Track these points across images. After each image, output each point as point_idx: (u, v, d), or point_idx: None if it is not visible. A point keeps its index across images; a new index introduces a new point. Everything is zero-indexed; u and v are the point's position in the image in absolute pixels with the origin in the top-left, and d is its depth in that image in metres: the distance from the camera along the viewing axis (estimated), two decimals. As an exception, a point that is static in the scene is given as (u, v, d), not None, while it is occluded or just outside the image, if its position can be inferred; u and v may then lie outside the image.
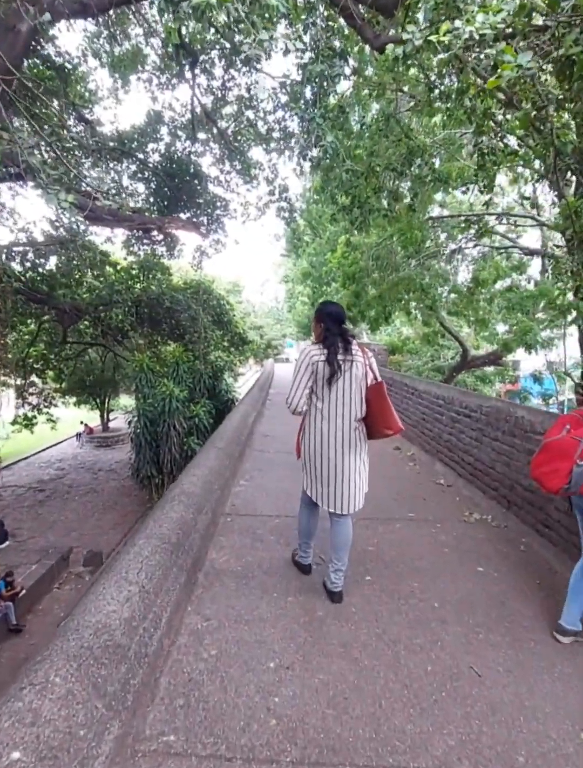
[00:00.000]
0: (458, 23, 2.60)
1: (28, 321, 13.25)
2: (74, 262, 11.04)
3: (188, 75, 8.23)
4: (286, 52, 4.02)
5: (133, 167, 10.17)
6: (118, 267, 12.32)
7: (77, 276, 11.76)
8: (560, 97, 3.36)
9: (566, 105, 3.63)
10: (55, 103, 7.76)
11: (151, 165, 9.89)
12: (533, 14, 2.57)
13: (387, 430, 2.18)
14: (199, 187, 10.01)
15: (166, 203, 10.11)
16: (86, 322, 13.32)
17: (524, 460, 3.21)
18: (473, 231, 8.85)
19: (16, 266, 10.18)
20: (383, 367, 10.14)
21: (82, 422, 24.16)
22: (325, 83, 5.21)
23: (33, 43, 6.17)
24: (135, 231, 10.53)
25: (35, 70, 7.72)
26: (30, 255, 10.33)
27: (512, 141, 5.68)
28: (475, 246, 11.12)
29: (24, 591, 8.48)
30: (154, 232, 10.68)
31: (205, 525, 2.74)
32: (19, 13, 4.76)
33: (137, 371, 11.07)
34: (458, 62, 3.30)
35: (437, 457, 5.06)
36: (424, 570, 2.60)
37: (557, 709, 1.64)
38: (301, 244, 12.24)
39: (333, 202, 7.07)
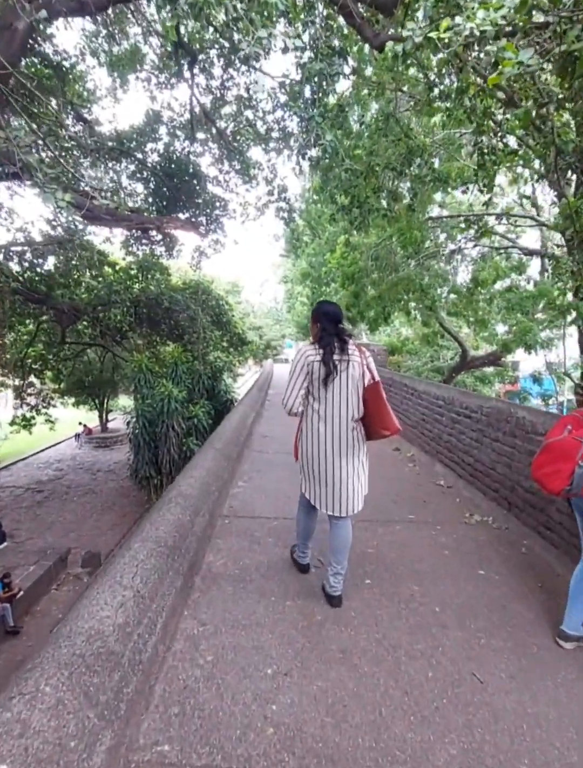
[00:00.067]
0: (458, 20, 2.57)
1: (27, 321, 13.23)
2: (73, 262, 11.01)
3: (187, 74, 8.20)
4: (285, 50, 4.00)
5: (132, 167, 10.14)
6: (117, 267, 12.29)
7: (76, 276, 11.72)
8: (560, 96, 3.34)
9: (566, 104, 3.62)
10: (53, 102, 7.74)
11: (149, 165, 9.86)
12: (534, 11, 2.55)
13: (384, 430, 2.15)
14: (198, 187, 9.98)
15: (165, 203, 10.08)
16: (85, 323, 13.28)
17: (525, 461, 3.18)
18: (472, 231, 8.82)
19: (14, 266, 10.16)
20: (382, 367, 10.11)
21: (80, 423, 24.10)
22: (324, 82, 5.18)
23: (30, 41, 6.13)
24: (134, 231, 10.50)
25: (33, 69, 7.70)
26: (28, 255, 10.30)
27: (512, 141, 5.66)
28: (474, 246, 11.10)
29: (21, 592, 8.43)
30: (153, 232, 10.66)
31: (203, 527, 2.70)
32: (15, 11, 4.73)
33: (136, 372, 11.03)
34: (457, 61, 3.28)
35: (437, 458, 5.03)
36: (424, 573, 2.57)
37: (560, 716, 1.61)
38: (300, 245, 12.21)
39: (332, 202, 7.04)
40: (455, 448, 4.57)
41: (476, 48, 2.91)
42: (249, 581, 2.38)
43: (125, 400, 22.59)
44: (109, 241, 11.60)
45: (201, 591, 2.25)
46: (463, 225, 9.15)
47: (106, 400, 24.67)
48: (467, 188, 6.93)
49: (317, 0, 5.23)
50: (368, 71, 7.01)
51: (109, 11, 7.66)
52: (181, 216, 10.36)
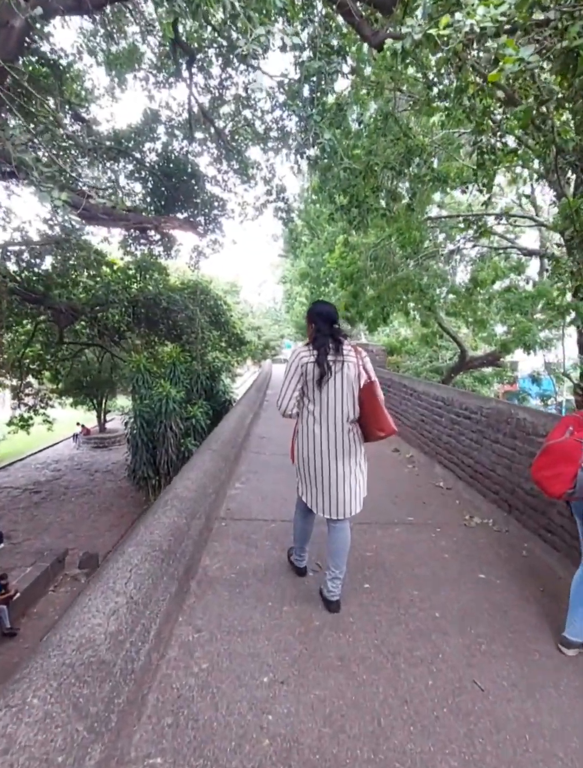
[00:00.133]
0: (458, 16, 2.53)
1: (24, 321, 13.16)
2: (70, 262, 10.96)
3: (185, 73, 8.17)
4: (284, 48, 3.96)
5: (130, 167, 10.09)
6: (115, 267, 12.24)
7: (73, 276, 11.67)
8: (560, 96, 3.31)
9: (566, 103, 3.58)
10: (51, 101, 7.69)
11: (147, 164, 9.82)
12: (534, 8, 2.52)
13: (379, 431, 2.12)
14: (196, 187, 9.94)
15: (163, 203, 10.04)
16: (83, 323, 13.22)
17: (525, 463, 3.14)
18: (471, 231, 8.79)
19: (11, 266, 10.10)
20: (381, 367, 10.08)
21: (78, 423, 24.03)
22: (322, 81, 5.15)
23: (27, 39, 6.08)
24: (132, 231, 10.46)
25: (30, 68, 7.64)
26: (25, 255, 10.24)
27: (511, 141, 5.63)
28: (473, 246, 11.07)
29: (18, 594, 8.36)
30: (151, 232, 10.61)
31: (199, 530, 2.66)
32: (11, 9, 4.68)
33: (134, 372, 10.97)
34: (457, 60, 3.24)
35: (437, 459, 4.99)
36: (424, 577, 2.53)
37: (564, 725, 1.57)
38: (298, 245, 12.17)
39: (331, 202, 7.00)
40: (454, 450, 4.53)
41: (476, 46, 2.89)
42: (246, 586, 2.34)
43: (123, 401, 22.55)
44: (107, 241, 11.57)
45: (197, 596, 2.21)
46: (462, 225, 9.12)
47: (104, 401, 24.58)
48: (467, 188, 6.91)
49: (315, -2, 5.20)
50: (367, 71, 6.98)
51: (107, 10, 7.63)
52: (180, 216, 10.32)
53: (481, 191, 5.49)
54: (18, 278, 10.14)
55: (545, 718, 1.59)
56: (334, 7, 4.66)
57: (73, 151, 8.80)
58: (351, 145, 6.64)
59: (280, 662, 1.78)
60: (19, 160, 4.26)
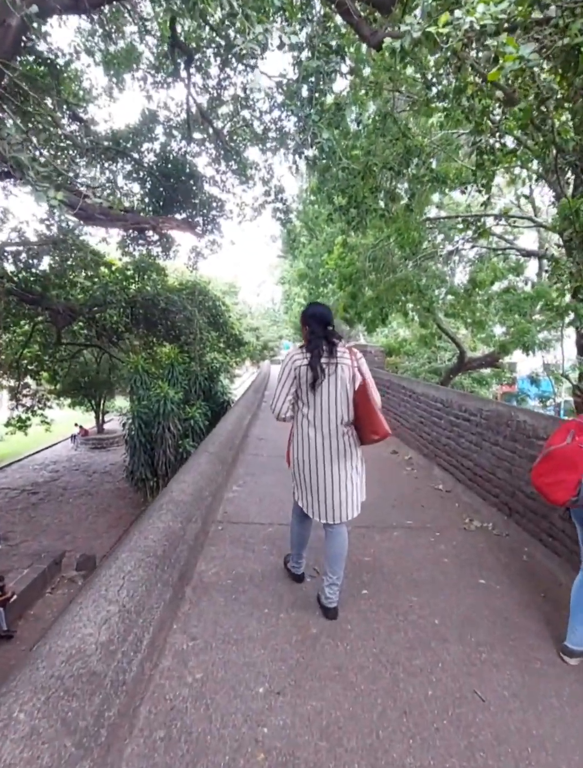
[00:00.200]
0: (458, 13, 2.50)
1: (22, 322, 13.10)
2: (68, 262, 10.91)
3: (183, 74, 8.13)
4: (281, 46, 3.93)
5: (128, 167, 10.04)
6: (113, 268, 12.19)
7: (71, 277, 11.62)
8: (559, 96, 3.28)
9: (565, 103, 3.56)
10: (49, 101, 7.65)
11: (146, 165, 9.77)
12: (535, 7, 2.49)
13: (373, 434, 2.08)
14: (194, 188, 9.89)
15: (161, 203, 10.00)
16: (81, 323, 13.17)
17: (526, 466, 3.11)
18: (470, 232, 8.76)
19: (8, 266, 10.05)
20: (380, 369, 10.03)
21: (76, 424, 23.96)
22: (321, 81, 5.12)
23: (24, 38, 6.05)
24: (130, 231, 10.42)
25: (28, 68, 7.60)
26: (23, 255, 10.19)
27: (510, 142, 5.61)
28: (472, 247, 11.05)
29: (15, 596, 8.31)
30: (150, 233, 10.57)
31: (195, 534, 2.62)
32: (7, 7, 4.64)
33: (132, 373, 10.92)
34: (456, 59, 3.21)
35: (436, 461, 4.95)
36: (423, 583, 2.49)
37: (566, 737, 1.53)
38: (297, 245, 12.15)
39: (330, 203, 6.97)
40: (454, 452, 4.50)
41: (475, 45, 2.86)
42: (242, 592, 2.30)
43: (122, 401, 22.46)
44: (106, 241, 11.52)
45: (192, 603, 2.17)
46: (461, 226, 9.09)
47: (102, 402, 24.52)
48: (465, 188, 6.88)
49: (313, -2, 5.17)
50: (366, 71, 6.96)
51: (105, 10, 7.59)
52: (178, 216, 10.27)
53: (480, 192, 5.47)
54: (15, 279, 10.10)
55: (547, 729, 1.55)
56: (332, 6, 4.63)
57: (71, 152, 8.76)
58: (350, 146, 6.61)
59: (276, 672, 1.74)
60: (15, 159, 4.22)
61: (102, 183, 9.64)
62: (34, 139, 5.07)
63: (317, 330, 2.11)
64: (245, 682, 1.67)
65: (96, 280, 11.72)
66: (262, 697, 1.62)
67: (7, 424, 15.37)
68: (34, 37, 6.60)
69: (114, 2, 7.07)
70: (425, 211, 9.91)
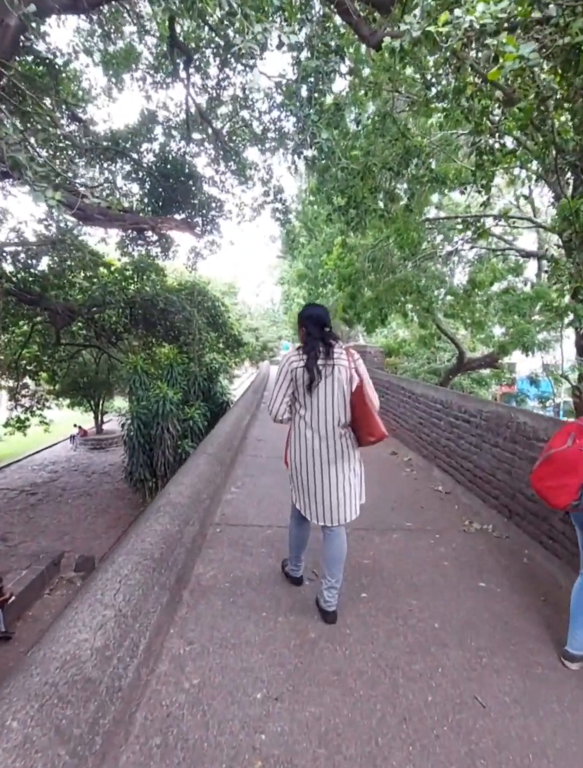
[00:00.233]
0: (458, 12, 2.49)
1: (21, 322, 13.08)
2: (67, 262, 10.89)
3: (183, 74, 8.12)
4: (280, 45, 3.92)
5: (128, 167, 10.02)
6: (112, 268, 12.17)
7: (70, 277, 11.60)
8: (558, 96, 3.27)
9: (565, 104, 3.54)
10: (48, 100, 7.63)
11: (145, 165, 9.75)
12: (535, 5, 2.47)
13: (369, 436, 2.06)
14: (193, 188, 9.88)
15: (160, 204, 9.98)
16: (80, 324, 13.15)
17: (526, 468, 3.09)
18: (469, 233, 8.76)
19: (7, 267, 10.03)
20: (379, 369, 10.01)
21: (75, 424, 23.91)
22: (320, 81, 5.10)
23: (22, 38, 6.03)
24: (129, 231, 10.40)
25: (26, 68, 7.58)
26: (21, 255, 10.17)
27: (510, 142, 5.59)
28: (471, 248, 11.04)
29: (14, 597, 8.27)
30: (149, 233, 10.55)
31: (192, 537, 2.59)
32: (5, 7, 4.63)
33: (131, 373, 10.90)
34: (455, 60, 3.20)
35: (435, 462, 4.94)
36: (423, 586, 2.47)
37: (568, 744, 1.51)
38: (296, 246, 12.13)
39: (329, 203, 6.96)
40: (453, 453, 4.48)
41: (475, 44, 2.84)
42: (240, 595, 2.28)
43: (121, 402, 22.42)
44: (105, 241, 11.50)
45: (189, 606, 2.15)
46: (460, 226, 9.07)
47: (101, 402, 24.48)
48: (465, 189, 6.87)
49: (312, -3, 5.16)
50: (365, 72, 6.95)
51: (104, 9, 7.58)
52: (177, 216, 10.25)
53: (479, 192, 5.45)
54: (14, 279, 10.07)
55: (548, 736, 1.54)
56: (331, 6, 4.62)
57: (70, 152, 8.74)
58: (349, 146, 6.59)
59: (274, 677, 1.72)
60: (13, 159, 4.20)
61: (101, 183, 9.63)
62: (33, 139, 5.04)
63: (314, 331, 2.09)
64: (243, 688, 1.65)
65: (95, 280, 11.69)
66: (260, 703, 1.60)
67: (6, 425, 15.34)
68: (32, 36, 6.59)
69: (113, 2, 7.07)
70: (424, 212, 9.90)
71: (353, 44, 6.57)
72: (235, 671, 1.74)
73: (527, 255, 11.29)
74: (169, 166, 9.55)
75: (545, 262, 10.92)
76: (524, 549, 2.97)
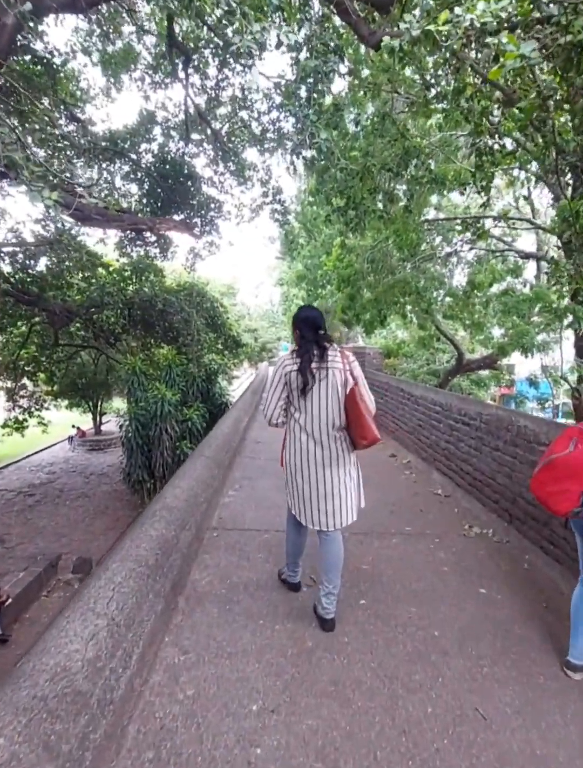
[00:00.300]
0: (458, 11, 2.46)
1: (19, 323, 13.03)
2: (65, 263, 10.85)
3: (181, 74, 8.09)
4: (279, 44, 3.89)
5: (126, 168, 9.99)
6: (111, 269, 12.13)
7: (68, 277, 11.56)
8: (558, 97, 3.24)
9: (564, 105, 3.52)
10: (45, 100, 7.59)
11: (143, 165, 9.71)
12: (535, 4, 2.44)
13: (362, 439, 2.03)
14: (192, 188, 9.84)
15: (159, 204, 9.94)
16: (78, 325, 13.10)
17: (526, 472, 3.06)
18: (469, 234, 8.73)
19: (5, 267, 9.99)
20: (378, 371, 9.97)
21: (73, 425, 23.83)
22: (319, 81, 5.07)
23: (20, 37, 5.99)
24: (127, 232, 10.36)
25: (24, 67, 7.55)
26: (19, 256, 10.13)
27: (509, 143, 5.57)
28: (471, 249, 11.02)
29: (10, 599, 8.21)
30: (147, 234, 10.52)
31: (189, 542, 2.56)
32: (2, 6, 4.59)
33: (129, 374, 10.86)
34: (455, 60, 3.17)
35: (435, 465, 4.90)
36: (422, 592, 2.43)
37: (571, 757, 1.48)
38: (295, 247, 12.10)
39: (328, 204, 6.93)
40: (453, 456, 4.45)
41: (475, 44, 2.81)
42: (236, 602, 2.24)
43: (119, 403, 22.36)
44: (103, 242, 11.46)
45: (184, 613, 2.11)
46: (459, 227, 9.05)
47: (99, 403, 24.41)
48: (464, 190, 6.84)
49: (311, -4, 5.13)
50: (365, 72, 6.93)
51: (103, 9, 7.55)
52: (176, 217, 10.21)
53: (478, 193, 5.42)
54: (12, 280, 10.03)
55: (551, 749, 1.50)
56: (331, 6, 4.59)
57: (68, 152, 8.70)
58: (348, 147, 6.57)
59: (270, 688, 1.68)
60: (9, 158, 4.17)
61: (99, 183, 9.59)
62: (30, 139, 5.00)
63: (308, 334, 2.06)
64: (238, 699, 1.62)
65: (93, 281, 11.65)
66: (256, 715, 1.56)
67: (4, 426, 15.30)
68: (30, 35, 6.56)
69: (111, 1, 7.04)
70: (423, 213, 9.88)
71: (353, 44, 6.54)
72: (230, 682, 1.70)
73: (527, 256, 11.28)
74: (167, 167, 9.52)
75: (544, 263, 10.91)
76: (524, 554, 2.94)
